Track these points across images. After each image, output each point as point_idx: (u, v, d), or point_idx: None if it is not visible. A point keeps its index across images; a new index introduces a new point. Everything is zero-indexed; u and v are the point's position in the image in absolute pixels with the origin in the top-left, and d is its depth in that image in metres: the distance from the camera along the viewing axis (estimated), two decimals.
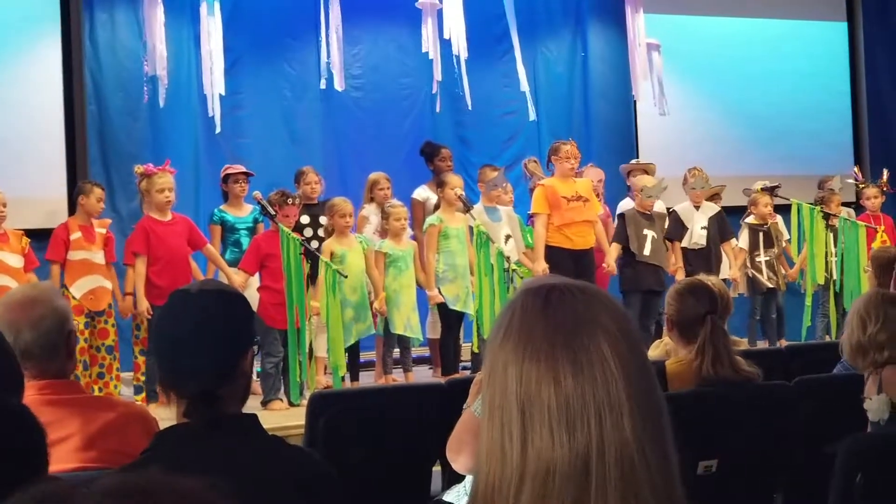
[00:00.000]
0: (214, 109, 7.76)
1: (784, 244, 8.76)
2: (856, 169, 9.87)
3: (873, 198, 8.96)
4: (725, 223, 8.34)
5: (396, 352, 7.39)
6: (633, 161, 9.19)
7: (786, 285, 8.70)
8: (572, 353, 1.15)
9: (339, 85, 8.09)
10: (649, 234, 7.87)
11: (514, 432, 1.15)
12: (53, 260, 6.81)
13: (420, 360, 7.95)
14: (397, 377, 7.29)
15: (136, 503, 0.79)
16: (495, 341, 1.21)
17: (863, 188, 9.25)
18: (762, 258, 8.52)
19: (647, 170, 8.64)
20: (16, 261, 6.73)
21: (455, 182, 7.43)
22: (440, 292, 7.33)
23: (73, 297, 6.69)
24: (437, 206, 7.61)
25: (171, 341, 1.99)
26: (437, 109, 8.83)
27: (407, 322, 7.21)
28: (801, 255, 8.57)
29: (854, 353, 3.48)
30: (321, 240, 7.17)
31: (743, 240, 8.58)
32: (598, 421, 1.13)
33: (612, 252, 7.82)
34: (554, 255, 7.52)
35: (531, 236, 7.85)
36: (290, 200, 6.76)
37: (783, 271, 8.67)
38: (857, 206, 9.51)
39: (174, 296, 2.06)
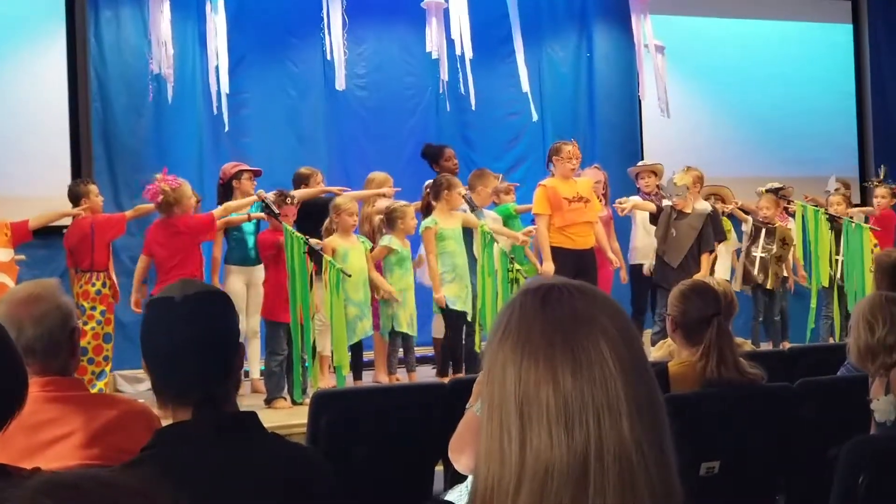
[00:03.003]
0: (221, 108, 7.75)
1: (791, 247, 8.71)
2: (833, 178, 9.57)
3: (881, 197, 8.93)
4: (719, 224, 8.18)
5: (401, 351, 7.40)
6: (641, 163, 9.17)
7: (783, 287, 8.64)
8: (571, 352, 1.15)
9: (340, 84, 8.08)
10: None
11: (513, 432, 1.14)
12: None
13: (424, 360, 7.95)
14: (400, 376, 7.29)
15: (68, 497, 0.81)
16: (494, 341, 1.21)
17: (875, 187, 9.21)
18: (758, 253, 8.42)
19: (654, 171, 8.62)
20: (4, 255, 6.76)
21: (455, 184, 7.44)
22: None
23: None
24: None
25: (169, 352, 1.95)
26: (448, 108, 8.84)
27: (410, 320, 7.22)
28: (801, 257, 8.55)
29: (862, 356, 3.45)
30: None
31: (745, 233, 8.52)
32: (596, 421, 1.13)
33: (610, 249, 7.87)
34: (555, 256, 7.52)
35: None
36: (288, 200, 6.77)
37: (786, 274, 8.62)
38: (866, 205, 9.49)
39: (158, 306, 2.00)
